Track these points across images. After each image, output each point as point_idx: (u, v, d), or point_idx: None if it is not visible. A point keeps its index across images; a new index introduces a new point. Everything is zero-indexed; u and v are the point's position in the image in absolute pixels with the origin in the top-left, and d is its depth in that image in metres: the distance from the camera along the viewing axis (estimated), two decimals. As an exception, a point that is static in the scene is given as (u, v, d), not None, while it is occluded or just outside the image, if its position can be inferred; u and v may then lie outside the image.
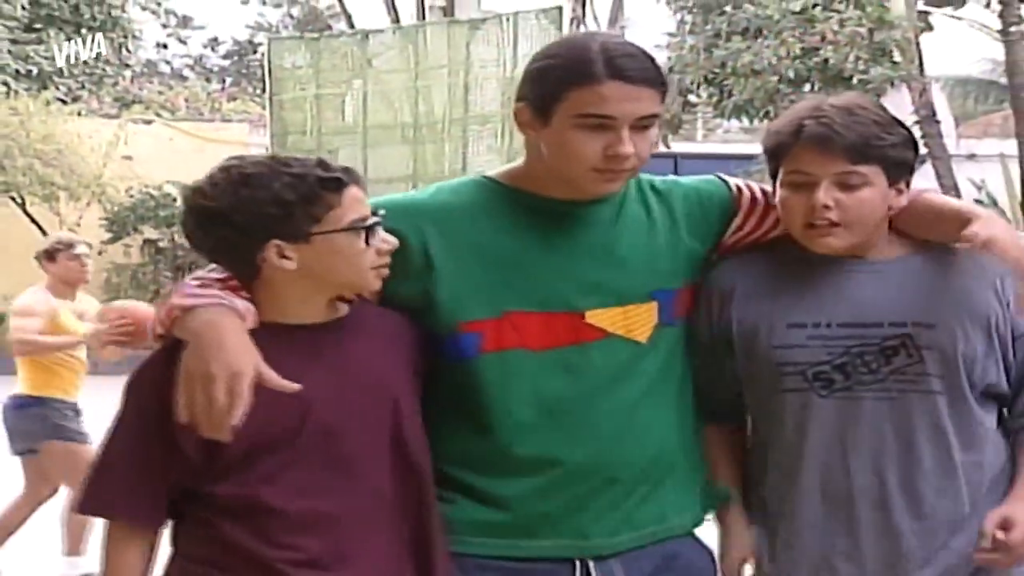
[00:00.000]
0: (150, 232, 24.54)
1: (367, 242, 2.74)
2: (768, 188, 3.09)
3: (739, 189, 3.11)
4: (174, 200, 24.18)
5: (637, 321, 2.96)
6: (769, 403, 3.07)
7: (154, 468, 2.73)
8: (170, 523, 2.83)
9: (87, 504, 2.81)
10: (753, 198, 3.11)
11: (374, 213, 2.76)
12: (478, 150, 16.53)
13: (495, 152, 16.03)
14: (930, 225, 3.03)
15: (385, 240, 2.77)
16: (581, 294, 2.92)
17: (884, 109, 3.03)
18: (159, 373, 2.70)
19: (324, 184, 2.70)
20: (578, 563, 2.92)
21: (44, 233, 21.71)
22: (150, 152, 24.16)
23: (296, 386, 2.64)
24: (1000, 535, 2.94)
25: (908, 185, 3.03)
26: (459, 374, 2.91)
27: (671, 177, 3.12)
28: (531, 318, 2.90)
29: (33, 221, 23.41)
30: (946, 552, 3.02)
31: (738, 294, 3.07)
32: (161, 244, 24.76)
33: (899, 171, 2.98)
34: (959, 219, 2.93)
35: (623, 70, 2.76)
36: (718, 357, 3.10)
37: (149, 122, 26.37)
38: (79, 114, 25.29)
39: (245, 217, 2.67)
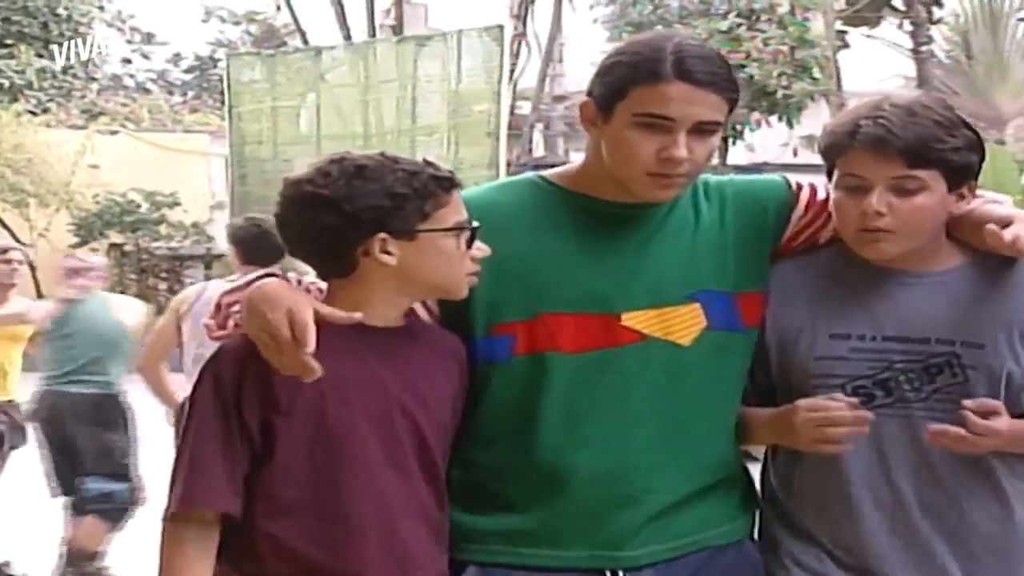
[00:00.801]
0: (116, 236, 24.44)
1: (469, 245, 2.59)
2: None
3: (799, 185, 2.83)
4: (138, 207, 24.12)
5: (677, 323, 2.69)
6: None
7: (240, 451, 2.54)
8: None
9: (185, 502, 2.53)
10: (814, 192, 2.81)
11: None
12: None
13: (441, 161, 16.03)
14: (974, 232, 2.69)
15: (480, 248, 2.61)
16: (617, 296, 2.67)
17: (950, 109, 2.67)
18: (234, 357, 2.55)
19: (437, 181, 2.56)
20: (608, 573, 2.69)
21: (15, 237, 21.62)
22: (115, 161, 24.04)
23: (357, 315, 2.52)
24: (976, 420, 2.55)
25: (973, 190, 2.70)
26: (491, 378, 2.70)
27: (730, 177, 2.89)
28: (565, 319, 2.66)
29: (4, 226, 23.28)
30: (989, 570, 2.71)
31: (779, 296, 2.77)
32: (126, 248, 24.67)
33: (960, 176, 2.64)
34: (999, 223, 2.63)
35: (690, 72, 2.54)
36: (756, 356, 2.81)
37: (115, 133, 26.26)
38: (48, 125, 25.23)
39: (356, 207, 2.51)
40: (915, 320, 2.67)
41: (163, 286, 25.18)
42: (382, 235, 2.53)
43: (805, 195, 2.81)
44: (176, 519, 2.54)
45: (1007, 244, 2.55)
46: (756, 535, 2.89)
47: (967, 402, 2.55)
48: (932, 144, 2.58)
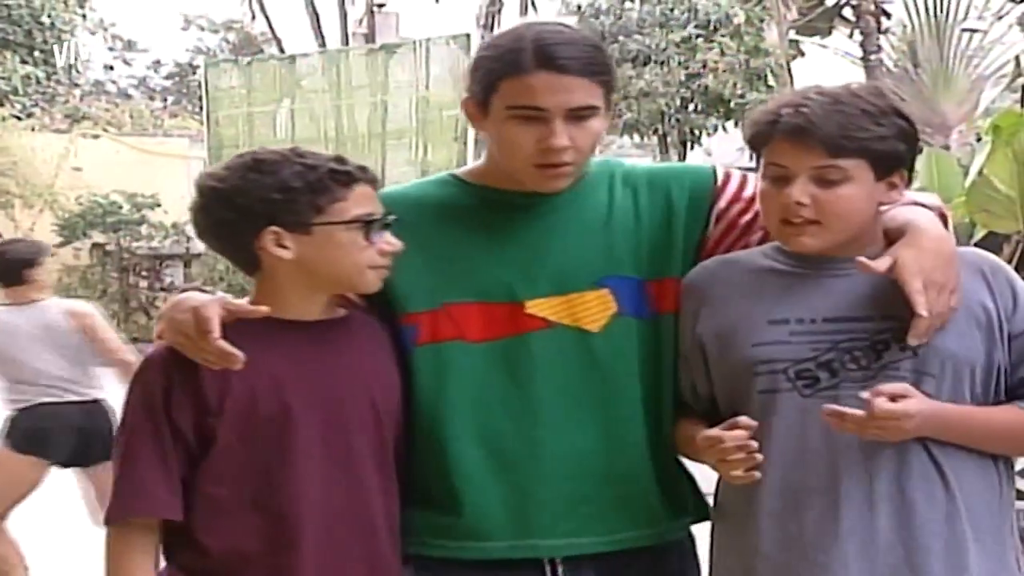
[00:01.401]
0: (98, 236, 24.36)
1: (368, 239, 2.48)
2: None
3: (727, 175, 2.68)
4: (120, 207, 24.04)
5: (585, 309, 2.57)
6: (747, 407, 2.49)
7: (172, 454, 2.46)
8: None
9: (123, 510, 2.48)
10: (743, 185, 2.66)
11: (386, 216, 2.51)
12: (396, 162, 16.60)
13: (410, 164, 16.09)
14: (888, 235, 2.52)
15: (388, 242, 2.49)
16: (521, 283, 2.56)
17: (882, 97, 2.49)
18: (158, 365, 2.49)
19: (334, 176, 2.45)
20: (547, 564, 2.56)
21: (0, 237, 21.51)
22: (98, 164, 23.95)
23: (264, 309, 2.46)
24: (883, 404, 2.36)
25: (905, 179, 2.52)
26: (407, 367, 2.59)
27: (649, 164, 2.75)
28: (469, 309, 2.56)
29: (-9, 226, 23.19)
30: (934, 560, 2.48)
31: (714, 293, 2.59)
32: (108, 247, 24.58)
33: (888, 165, 2.46)
34: (893, 234, 2.48)
35: (552, 59, 2.42)
36: (693, 364, 2.62)
37: (97, 137, 26.13)
38: (33, 129, 25.09)
39: (248, 200, 2.43)
40: (856, 300, 2.49)
41: (143, 284, 25.13)
42: (274, 229, 2.45)
43: (732, 187, 2.66)
44: (119, 526, 2.48)
45: (883, 272, 2.41)
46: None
47: (863, 393, 2.35)
48: (854, 133, 2.41)
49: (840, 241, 2.48)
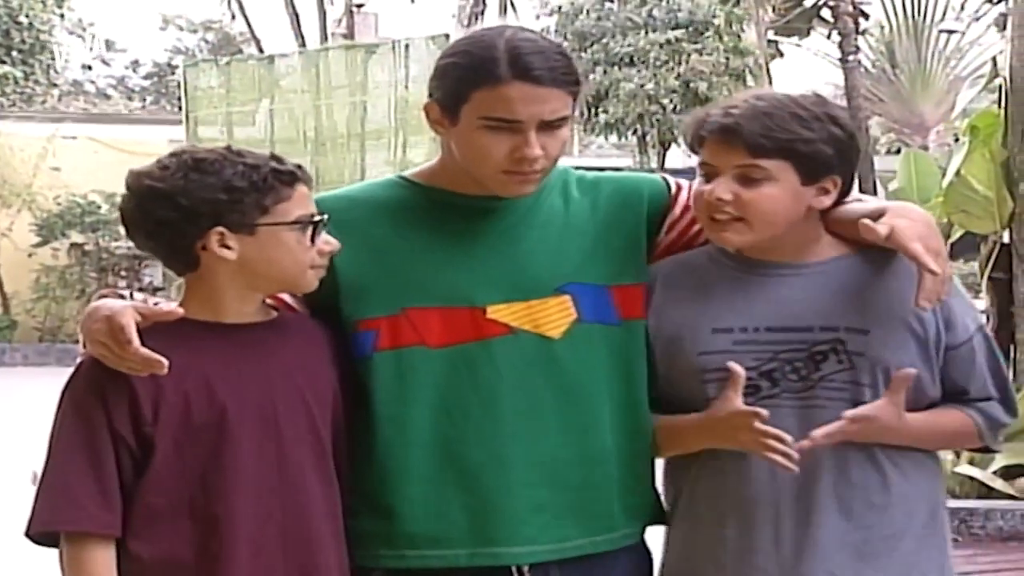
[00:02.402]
0: (77, 236, 24.29)
1: (312, 240, 2.46)
2: None
3: (678, 186, 2.69)
4: (99, 207, 23.99)
5: (546, 316, 2.55)
6: (692, 412, 2.58)
7: (108, 467, 2.40)
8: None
9: (44, 519, 2.41)
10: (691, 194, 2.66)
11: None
12: (375, 162, 16.58)
13: (389, 164, 16.06)
14: (851, 228, 2.53)
15: (327, 241, 2.47)
16: (482, 289, 2.53)
17: (823, 105, 2.56)
18: (90, 377, 2.43)
19: (277, 176, 2.43)
20: (515, 572, 2.53)
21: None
22: (76, 164, 23.89)
23: (179, 311, 2.42)
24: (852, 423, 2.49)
25: (840, 186, 2.56)
26: (361, 374, 2.55)
27: (605, 173, 2.76)
28: (430, 314, 2.53)
29: (-32, 227, 23.13)
30: (880, 564, 2.57)
31: (661, 296, 2.64)
32: (87, 247, 24.51)
33: (814, 168, 2.49)
34: (874, 215, 2.49)
35: (528, 70, 2.40)
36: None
37: (75, 137, 26.08)
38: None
39: (192, 201, 2.38)
40: (797, 309, 2.55)
41: (123, 284, 25.05)
42: (219, 229, 2.41)
43: (683, 196, 2.67)
44: (74, 540, 2.40)
45: (882, 237, 2.43)
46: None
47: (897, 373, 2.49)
48: (776, 134, 2.46)
49: (764, 239, 2.53)
